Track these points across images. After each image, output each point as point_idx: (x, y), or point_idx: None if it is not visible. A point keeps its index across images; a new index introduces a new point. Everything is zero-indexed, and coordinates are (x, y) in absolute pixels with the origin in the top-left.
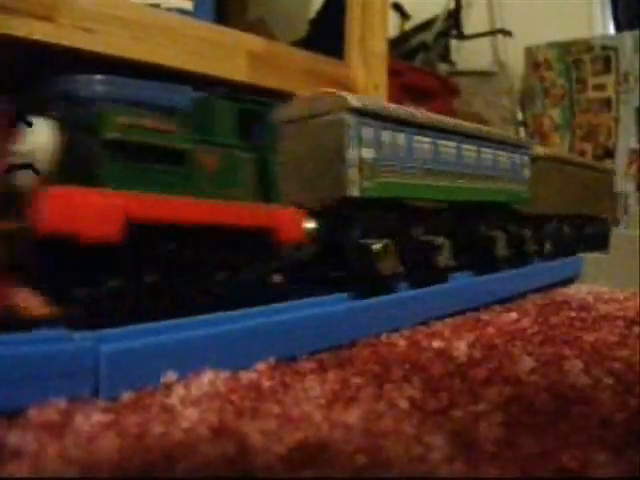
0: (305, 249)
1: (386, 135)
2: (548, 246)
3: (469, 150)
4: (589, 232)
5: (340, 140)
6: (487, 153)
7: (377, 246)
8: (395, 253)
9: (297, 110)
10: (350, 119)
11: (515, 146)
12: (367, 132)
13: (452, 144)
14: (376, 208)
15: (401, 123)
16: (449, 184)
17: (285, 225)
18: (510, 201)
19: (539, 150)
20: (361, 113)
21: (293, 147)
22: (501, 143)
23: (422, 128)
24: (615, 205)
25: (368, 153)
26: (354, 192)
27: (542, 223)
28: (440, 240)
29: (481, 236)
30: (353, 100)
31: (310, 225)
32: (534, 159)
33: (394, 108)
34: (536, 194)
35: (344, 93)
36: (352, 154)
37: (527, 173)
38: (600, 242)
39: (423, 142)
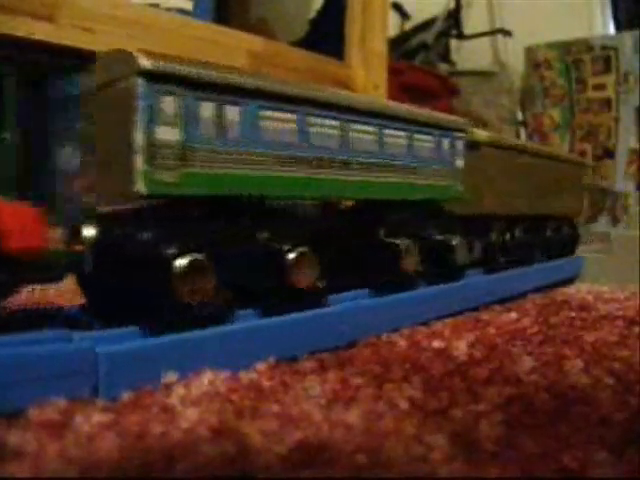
0: (85, 260)
1: (207, 108)
2: (493, 255)
3: (364, 132)
4: (551, 236)
5: (126, 115)
6: (395, 136)
7: (180, 262)
8: (211, 271)
9: (97, 76)
10: (140, 86)
11: (442, 129)
12: (170, 104)
13: (334, 123)
14: (200, 207)
15: (236, 92)
16: (326, 177)
17: (14, 227)
18: (433, 198)
19: (480, 135)
20: (159, 78)
21: (90, 126)
22: (419, 124)
23: (276, 100)
24: (581, 203)
25: (170, 133)
26: (141, 187)
27: (486, 226)
28: (298, 251)
29: (379, 244)
30: (145, 60)
31: (88, 232)
32: (473, 145)
33: (221, 71)
34: (477, 190)
35: (136, 51)
36: (140, 135)
37: (460, 163)
38: (566, 247)
39: (280, 120)
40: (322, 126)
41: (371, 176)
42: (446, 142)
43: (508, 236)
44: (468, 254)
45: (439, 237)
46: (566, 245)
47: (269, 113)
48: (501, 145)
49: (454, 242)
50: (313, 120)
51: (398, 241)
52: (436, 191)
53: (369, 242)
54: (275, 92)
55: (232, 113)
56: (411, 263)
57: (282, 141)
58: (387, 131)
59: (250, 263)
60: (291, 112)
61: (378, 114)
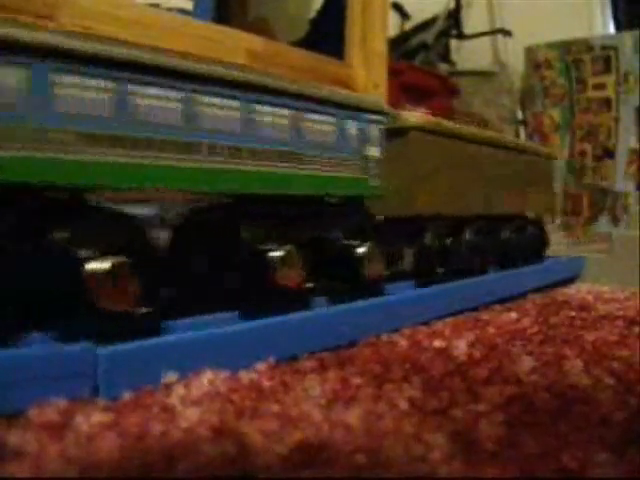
0: None
1: None
2: (429, 264)
3: (222, 107)
4: (511, 239)
5: None
6: (273, 115)
7: None
8: None
9: None
10: None
11: (346, 108)
12: None
13: (173, 95)
14: None
15: (13, 49)
16: (159, 162)
17: None
18: (326, 194)
19: (408, 118)
20: None
21: None
22: (310, 101)
23: (79, 62)
24: (551, 200)
25: None
26: None
27: (421, 229)
28: (107, 263)
29: (244, 253)
30: None
31: None
32: (399, 132)
33: None
34: (406, 186)
35: None
36: None
37: (375, 152)
38: (531, 252)
39: (86, 87)
40: (155, 98)
41: (230, 163)
42: (353, 125)
43: (449, 241)
44: (386, 264)
45: (343, 243)
46: (531, 249)
47: (69, 78)
48: (439, 131)
49: (362, 249)
50: (139, 89)
51: (271, 247)
52: (334, 185)
53: (232, 250)
54: (77, 51)
55: (9, 77)
56: (292, 276)
57: (89, 115)
58: (259, 107)
59: (40, 273)
60: (105, 78)
61: (245, 85)
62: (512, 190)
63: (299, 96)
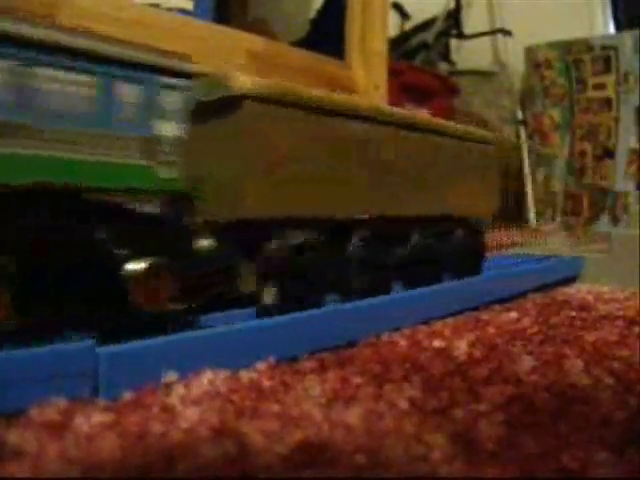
0: None
1: None
2: (270, 290)
3: None
4: (422, 248)
5: None
6: None
7: None
8: None
9: None
10: None
11: (119, 64)
12: None
13: None
14: None
15: None
16: None
17: None
18: (82, 186)
19: (240, 83)
20: None
21: None
22: (49, 50)
23: None
24: (494, 196)
25: None
26: None
27: (259, 238)
28: None
29: None
30: None
31: None
32: (226, 102)
33: None
34: (233, 179)
35: None
36: None
37: (174, 130)
38: (456, 263)
39: None
40: None
41: None
42: (129, 89)
43: (315, 253)
44: (197, 286)
45: (96, 255)
46: (458, 259)
47: None
48: (291, 102)
49: (131, 267)
50: None
51: None
52: (89, 174)
53: None
54: None
55: None
56: None
57: None
58: None
59: None
60: None
61: None
62: (429, 185)
63: (22, 40)
